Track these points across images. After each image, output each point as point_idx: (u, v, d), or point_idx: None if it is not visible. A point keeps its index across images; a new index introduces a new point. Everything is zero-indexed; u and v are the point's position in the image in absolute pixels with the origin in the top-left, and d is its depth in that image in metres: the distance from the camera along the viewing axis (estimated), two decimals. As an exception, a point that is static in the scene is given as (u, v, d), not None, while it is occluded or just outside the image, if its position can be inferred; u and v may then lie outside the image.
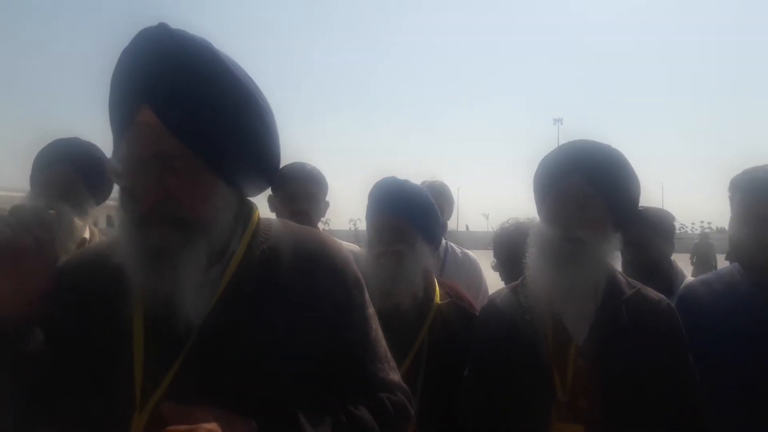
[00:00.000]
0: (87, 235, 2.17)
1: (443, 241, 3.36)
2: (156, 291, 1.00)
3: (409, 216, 1.90)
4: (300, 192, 2.45)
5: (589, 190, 1.62)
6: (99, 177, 2.18)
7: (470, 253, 3.43)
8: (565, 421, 1.56)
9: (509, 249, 2.65)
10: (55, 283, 1.08)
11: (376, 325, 1.22)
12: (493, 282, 3.12)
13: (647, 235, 2.42)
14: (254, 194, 1.19)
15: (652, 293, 1.67)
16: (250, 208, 1.16)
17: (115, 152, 1.04)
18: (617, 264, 1.73)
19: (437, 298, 1.90)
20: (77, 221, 2.09)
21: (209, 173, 1.03)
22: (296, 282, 1.10)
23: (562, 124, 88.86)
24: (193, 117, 0.99)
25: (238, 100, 1.04)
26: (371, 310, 1.22)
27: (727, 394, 1.73)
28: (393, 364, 1.23)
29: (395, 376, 1.22)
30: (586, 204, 1.61)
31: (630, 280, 1.72)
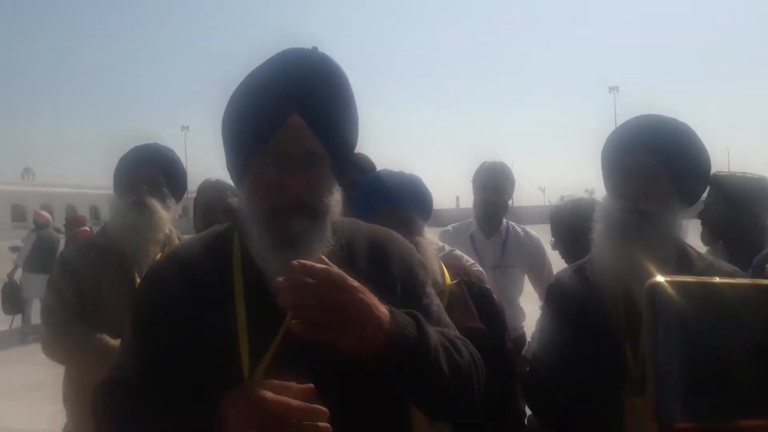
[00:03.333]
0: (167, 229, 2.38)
1: (503, 220, 3.39)
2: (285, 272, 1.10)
3: (413, 206, 1.94)
4: (344, 182, 2.51)
5: (653, 164, 1.61)
6: (178, 177, 2.45)
7: (532, 231, 3.43)
8: (639, 395, 1.57)
9: (568, 226, 2.63)
10: (166, 268, 1.28)
11: (437, 300, 1.36)
12: (556, 259, 3.11)
13: (737, 201, 2.37)
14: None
15: (726, 266, 1.65)
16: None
17: (253, 147, 1.19)
18: (687, 236, 1.70)
19: (447, 280, 1.93)
20: (165, 214, 2.32)
21: (332, 172, 1.24)
22: (370, 269, 1.25)
23: (618, 92, 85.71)
24: (331, 125, 1.20)
25: (354, 116, 1.27)
26: (431, 288, 1.37)
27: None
28: (457, 331, 1.34)
29: (461, 338, 1.34)
30: (650, 177, 1.60)
31: (702, 253, 1.70)
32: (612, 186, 1.70)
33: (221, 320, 1.16)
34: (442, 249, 2.30)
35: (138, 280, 2.20)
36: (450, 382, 1.12)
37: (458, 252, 2.52)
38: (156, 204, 2.29)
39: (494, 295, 2.05)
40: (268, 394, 1.01)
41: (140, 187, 2.28)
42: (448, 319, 1.34)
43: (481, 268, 2.45)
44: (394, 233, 1.42)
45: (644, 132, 1.64)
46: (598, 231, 1.71)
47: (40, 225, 9.73)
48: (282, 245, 1.14)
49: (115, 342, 2.02)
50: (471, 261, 2.51)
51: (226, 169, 1.29)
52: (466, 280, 2.00)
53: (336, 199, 1.24)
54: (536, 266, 3.33)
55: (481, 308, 1.96)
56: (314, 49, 1.19)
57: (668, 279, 0.44)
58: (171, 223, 2.39)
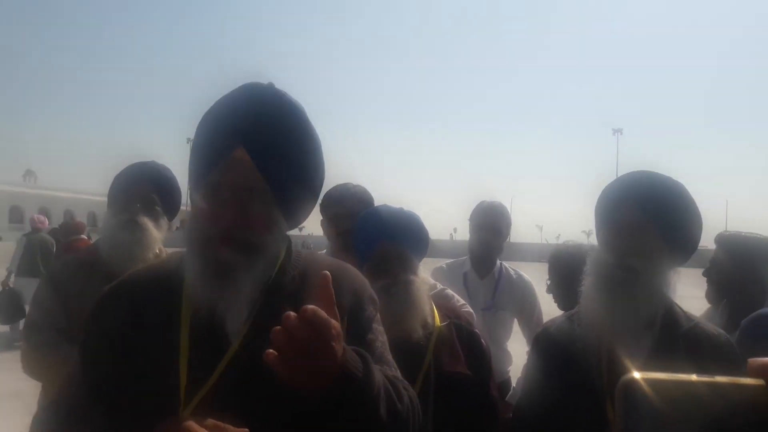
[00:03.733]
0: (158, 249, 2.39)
1: (498, 262, 3.40)
2: (212, 303, 1.15)
3: (411, 244, 1.95)
4: (343, 213, 2.54)
5: (643, 221, 1.63)
6: (173, 196, 2.46)
7: (524, 274, 3.43)
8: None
9: (565, 271, 2.63)
10: (116, 295, 1.29)
11: (383, 337, 1.38)
12: (547, 302, 3.12)
13: (742, 261, 2.40)
14: (293, 228, 1.37)
15: (711, 327, 1.66)
16: (288, 240, 1.34)
17: (201, 178, 1.21)
18: (675, 296, 1.71)
19: (437, 321, 1.93)
20: (156, 233, 2.33)
21: (276, 208, 1.22)
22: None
23: (621, 134, 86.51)
24: (277, 162, 1.19)
25: (309, 154, 1.26)
26: (380, 326, 1.39)
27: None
28: (398, 371, 1.36)
29: (401, 378, 1.36)
30: (639, 234, 1.62)
31: (688, 313, 1.71)
32: (603, 239, 1.72)
33: (163, 348, 1.17)
34: (433, 287, 2.31)
35: None
36: (386, 424, 1.11)
37: (449, 291, 2.52)
38: (148, 223, 2.31)
39: (482, 340, 2.05)
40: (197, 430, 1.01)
41: (134, 206, 2.30)
42: (390, 358, 1.35)
43: (471, 310, 2.45)
44: (350, 266, 1.43)
45: (637, 188, 1.67)
46: (587, 283, 1.72)
47: (34, 229, 9.71)
48: (211, 275, 1.14)
49: None
50: (462, 301, 2.51)
51: None
52: (456, 323, 2.00)
53: (280, 233, 1.24)
54: (526, 310, 3.32)
55: (468, 352, 1.96)
56: (270, 84, 1.22)
57: (643, 376, 0.46)
58: (161, 242, 2.40)
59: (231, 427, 1.04)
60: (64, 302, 2.18)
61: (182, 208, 2.59)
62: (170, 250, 2.54)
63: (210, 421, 1.05)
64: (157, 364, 1.16)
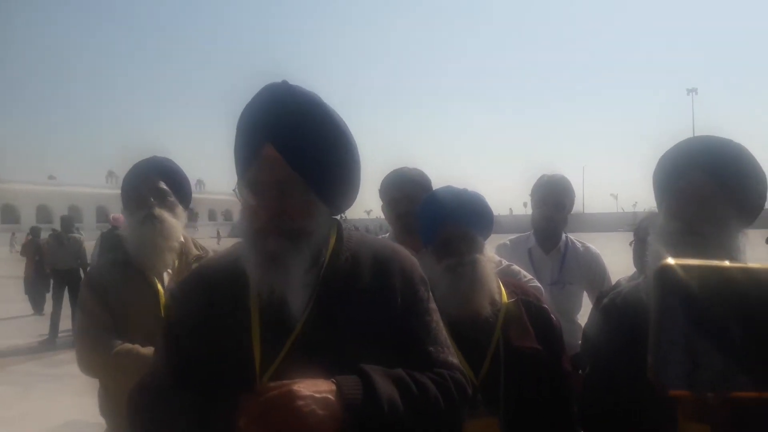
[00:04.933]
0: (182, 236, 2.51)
1: (563, 235, 3.36)
2: (270, 287, 1.28)
3: (476, 224, 1.96)
4: (400, 197, 2.62)
5: (711, 187, 1.59)
6: (182, 185, 2.56)
7: (591, 246, 3.38)
8: (692, 420, 1.55)
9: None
10: (189, 286, 1.44)
11: (437, 317, 1.47)
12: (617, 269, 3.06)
13: None
14: (340, 212, 1.49)
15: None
16: (337, 224, 1.46)
17: (240, 178, 1.34)
18: (744, 259, 1.66)
19: (504, 298, 1.94)
20: (175, 222, 2.44)
21: (313, 195, 1.33)
22: (373, 282, 1.39)
23: (696, 94, 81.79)
24: (304, 153, 1.30)
25: (336, 140, 1.36)
26: (433, 305, 1.47)
27: None
28: (452, 350, 1.47)
29: (454, 359, 1.45)
30: (708, 201, 1.58)
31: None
32: (667, 208, 1.68)
33: (238, 330, 1.31)
34: (499, 264, 2.33)
35: (160, 287, 2.35)
36: (412, 423, 1.25)
37: (515, 267, 2.54)
38: (165, 214, 2.41)
39: (552, 315, 2.05)
40: (275, 392, 1.15)
41: (148, 201, 2.40)
42: (444, 338, 1.44)
43: (538, 284, 2.46)
44: (399, 247, 1.52)
45: (700, 154, 1.63)
46: (654, 252, 1.69)
47: (113, 227, 10.30)
48: (264, 263, 1.28)
49: (147, 350, 2.14)
50: (528, 277, 2.52)
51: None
52: (524, 299, 2.01)
53: (322, 217, 1.35)
54: (596, 282, 3.27)
55: (538, 328, 1.97)
56: (284, 82, 1.32)
57: (678, 261, 0.49)
58: (182, 230, 2.50)
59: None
60: (106, 302, 2.28)
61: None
62: (197, 238, 2.65)
63: (287, 383, 1.17)
64: (233, 344, 1.30)
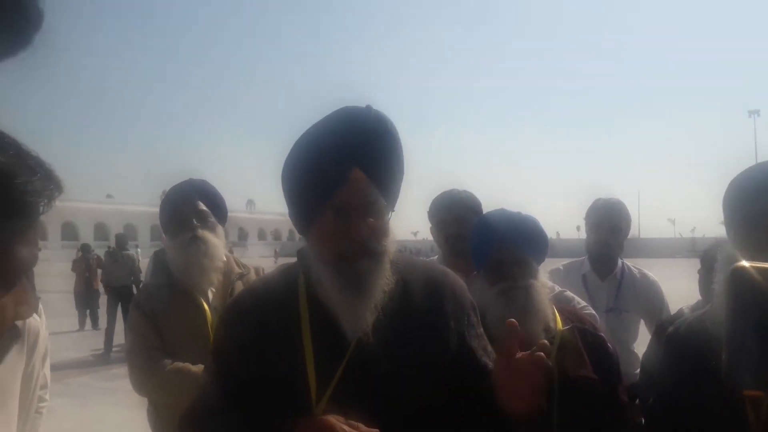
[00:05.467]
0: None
1: (619, 261, 3.26)
2: (352, 310, 1.27)
3: (530, 248, 1.92)
4: (450, 219, 2.63)
5: None
6: (220, 205, 2.61)
7: (649, 273, 3.26)
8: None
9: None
10: (240, 307, 1.45)
11: (485, 342, 1.49)
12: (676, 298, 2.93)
13: None
14: None
15: None
16: None
17: (322, 200, 1.31)
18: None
19: (559, 325, 1.89)
20: (218, 242, 2.48)
21: (387, 216, 1.35)
22: (426, 304, 1.40)
23: (758, 116, 78.82)
24: (386, 175, 1.35)
25: (401, 161, 1.39)
26: (481, 330, 1.50)
27: None
28: None
29: None
30: None
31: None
32: (736, 234, 1.62)
33: (290, 352, 1.31)
34: (552, 290, 2.28)
35: (206, 307, 2.39)
36: None
37: (569, 293, 2.47)
38: (208, 235, 2.45)
39: (609, 344, 1.99)
40: (341, 427, 1.15)
41: (191, 223, 2.44)
42: (489, 362, 1.41)
43: (593, 311, 2.39)
44: (448, 271, 1.53)
45: None
46: (720, 281, 1.62)
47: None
48: (351, 286, 1.27)
49: (197, 368, 2.17)
50: (582, 303, 2.45)
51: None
52: (579, 326, 1.96)
53: (392, 240, 1.36)
54: (654, 311, 3.15)
55: (594, 357, 1.91)
56: (368, 107, 1.32)
57: (753, 264, 0.49)
58: (224, 249, 2.54)
59: (363, 426, 1.16)
60: (155, 323, 2.34)
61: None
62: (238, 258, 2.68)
63: (344, 419, 1.17)
64: (286, 366, 1.30)
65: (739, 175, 1.66)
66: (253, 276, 2.59)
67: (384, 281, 1.31)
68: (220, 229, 2.54)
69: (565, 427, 1.77)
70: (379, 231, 1.31)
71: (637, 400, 2.73)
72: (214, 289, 2.48)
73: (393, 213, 1.38)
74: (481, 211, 2.63)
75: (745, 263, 0.47)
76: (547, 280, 2.02)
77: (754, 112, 78.63)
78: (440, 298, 1.42)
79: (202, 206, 2.50)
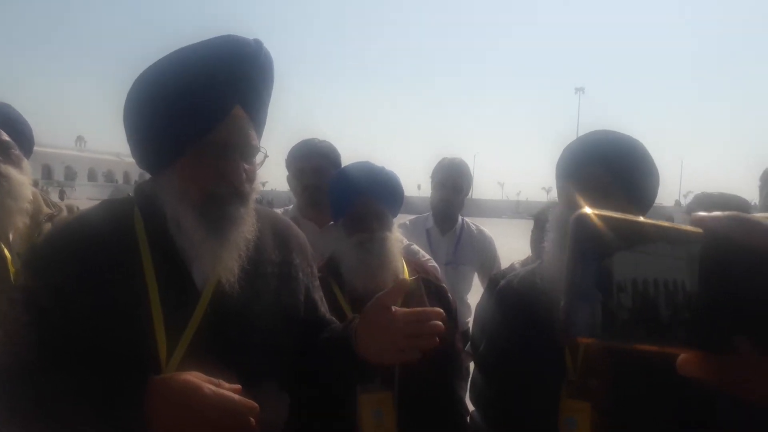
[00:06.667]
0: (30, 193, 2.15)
1: (459, 217, 3.45)
2: (213, 256, 1.18)
3: (389, 202, 1.98)
4: (309, 168, 2.57)
5: (608, 179, 1.67)
6: (25, 134, 2.18)
7: (485, 229, 3.51)
8: (574, 398, 1.65)
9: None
10: (57, 247, 1.20)
11: (322, 292, 1.57)
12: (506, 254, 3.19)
13: None
14: None
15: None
16: None
17: (195, 136, 1.18)
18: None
19: (407, 275, 1.99)
20: (23, 178, 2.10)
21: (258, 159, 1.28)
22: (278, 255, 1.38)
23: (584, 93, 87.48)
24: (262, 116, 1.27)
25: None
26: (317, 282, 1.56)
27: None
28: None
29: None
30: (605, 192, 1.66)
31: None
32: (566, 197, 1.76)
33: (130, 301, 1.14)
34: (402, 243, 2.34)
35: (7, 254, 2.02)
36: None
37: (415, 246, 2.57)
38: (11, 171, 2.06)
39: (449, 294, 2.10)
40: (207, 387, 1.03)
41: None
42: (327, 312, 1.54)
43: (436, 264, 2.50)
44: (292, 222, 1.54)
45: (601, 147, 1.71)
46: (551, 239, 1.77)
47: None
48: (218, 231, 1.18)
49: None
50: (427, 256, 2.56)
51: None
52: (424, 278, 2.04)
53: (257, 186, 1.30)
54: (487, 264, 3.41)
55: (436, 306, 2.00)
56: (257, 41, 1.22)
57: (595, 211, 0.49)
58: (31, 186, 2.15)
59: (225, 383, 1.06)
60: None
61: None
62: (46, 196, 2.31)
63: (206, 378, 1.06)
64: (125, 317, 1.13)
65: (572, 142, 1.80)
66: (66, 216, 2.21)
67: (249, 228, 1.24)
68: (26, 163, 2.14)
69: (406, 369, 1.85)
70: (253, 175, 1.24)
71: (468, 347, 2.95)
72: (14, 233, 2.09)
73: (266, 158, 1.28)
74: (340, 163, 2.62)
75: (588, 210, 0.47)
76: (400, 235, 2.06)
77: (580, 90, 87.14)
78: (289, 250, 1.41)
79: (5, 136, 2.08)
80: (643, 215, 1.77)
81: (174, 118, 1.16)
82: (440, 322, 1.24)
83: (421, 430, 1.83)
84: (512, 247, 3.20)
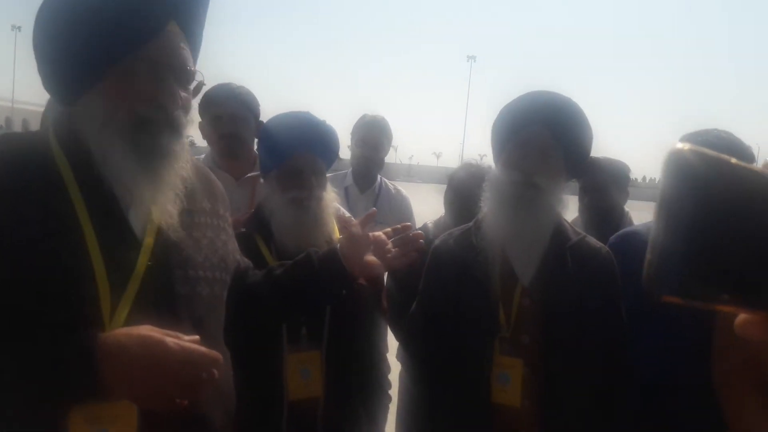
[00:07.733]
0: None
1: (378, 177, 3.41)
2: (141, 192, 1.05)
3: (326, 158, 1.90)
4: (225, 114, 2.38)
5: (549, 140, 1.69)
6: None
7: (402, 190, 3.49)
8: (507, 355, 1.69)
9: (463, 191, 2.69)
10: None
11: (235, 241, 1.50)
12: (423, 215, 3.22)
13: (603, 183, 2.60)
14: None
15: (594, 242, 1.80)
16: None
17: (118, 53, 1.03)
18: (566, 211, 1.82)
19: (337, 235, 1.95)
20: None
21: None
22: (206, 203, 1.29)
23: (475, 61, 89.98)
24: (198, 40, 1.15)
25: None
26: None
27: (652, 340, 1.79)
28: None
29: None
30: (547, 153, 1.69)
31: (574, 227, 1.83)
32: (506, 157, 1.76)
33: (65, 246, 0.98)
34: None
35: None
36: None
37: (337, 204, 2.50)
38: None
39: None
40: (171, 340, 0.94)
41: None
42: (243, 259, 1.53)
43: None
44: (209, 170, 1.46)
45: (542, 108, 1.72)
46: (488, 199, 1.77)
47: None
48: (151, 165, 1.06)
49: None
50: (347, 214, 2.50)
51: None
52: None
53: (192, 120, 1.19)
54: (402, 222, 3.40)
55: None
56: None
57: (693, 148, 0.42)
58: None
59: (183, 335, 0.98)
60: None
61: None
62: None
63: (163, 331, 0.97)
64: (60, 266, 0.97)
65: (508, 104, 1.79)
66: None
67: (183, 166, 1.11)
68: None
69: (334, 329, 1.80)
70: (187, 104, 1.11)
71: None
72: None
73: (203, 86, 1.15)
74: (259, 111, 2.45)
75: (684, 145, 0.41)
76: (333, 195, 1.98)
77: (471, 58, 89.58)
78: (215, 200, 1.33)
79: None
80: (576, 176, 1.84)
81: (101, 29, 1.01)
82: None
83: (347, 390, 1.81)
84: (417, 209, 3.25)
